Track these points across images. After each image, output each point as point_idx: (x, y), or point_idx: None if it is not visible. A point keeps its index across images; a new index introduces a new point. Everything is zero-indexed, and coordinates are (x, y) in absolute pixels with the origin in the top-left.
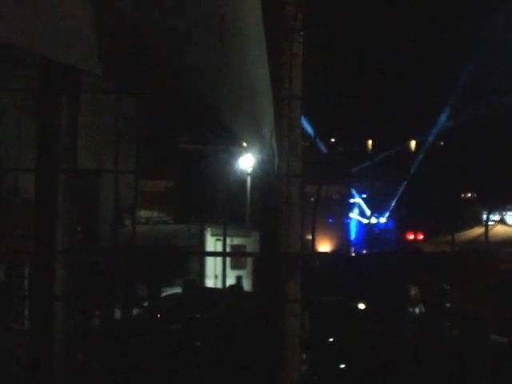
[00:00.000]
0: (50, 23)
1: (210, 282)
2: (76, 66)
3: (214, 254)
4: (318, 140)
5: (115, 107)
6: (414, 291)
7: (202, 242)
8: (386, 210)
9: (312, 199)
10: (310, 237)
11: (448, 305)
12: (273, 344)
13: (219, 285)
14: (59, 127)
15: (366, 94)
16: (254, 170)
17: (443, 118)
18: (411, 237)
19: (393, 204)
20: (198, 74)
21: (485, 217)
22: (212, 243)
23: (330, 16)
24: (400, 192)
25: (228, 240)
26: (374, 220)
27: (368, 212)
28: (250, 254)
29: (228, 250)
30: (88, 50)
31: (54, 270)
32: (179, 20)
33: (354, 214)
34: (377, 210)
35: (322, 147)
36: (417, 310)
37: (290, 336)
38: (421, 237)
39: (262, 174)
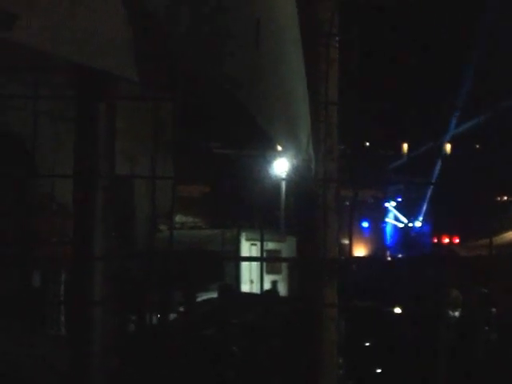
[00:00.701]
0: (88, 32)
1: (245, 287)
2: (113, 74)
3: (252, 258)
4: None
5: (153, 113)
6: (454, 294)
7: (238, 246)
8: (420, 214)
9: (347, 203)
10: (345, 241)
11: (494, 310)
12: (310, 348)
13: (254, 290)
14: (97, 133)
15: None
16: (289, 175)
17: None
18: (446, 240)
19: (426, 207)
20: (234, 80)
21: None
22: (247, 248)
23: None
24: (434, 195)
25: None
26: (410, 224)
27: (401, 216)
28: (287, 259)
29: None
30: (125, 58)
31: (92, 275)
32: (215, 27)
33: (390, 218)
34: (412, 214)
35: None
36: (456, 314)
37: (328, 340)
38: (456, 240)
39: (298, 179)
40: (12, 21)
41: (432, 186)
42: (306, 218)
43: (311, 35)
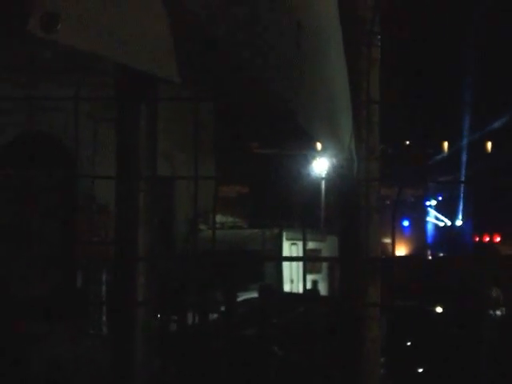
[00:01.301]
0: (132, 34)
1: (286, 287)
2: (154, 75)
3: (294, 258)
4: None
5: (193, 114)
6: (495, 293)
7: (279, 246)
8: (461, 212)
9: (387, 202)
10: (386, 240)
11: None
12: (353, 348)
13: (295, 289)
14: (138, 135)
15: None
16: (329, 174)
17: None
18: (487, 239)
19: (467, 206)
20: (275, 80)
21: None
22: (287, 247)
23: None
24: (475, 193)
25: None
26: (450, 222)
27: (440, 215)
28: (329, 259)
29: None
30: (166, 59)
31: (135, 276)
32: (255, 26)
33: (431, 217)
34: (453, 212)
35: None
36: (498, 313)
37: (371, 340)
38: (497, 239)
39: (339, 178)
40: (57, 22)
41: (472, 185)
42: (347, 218)
43: (353, 34)
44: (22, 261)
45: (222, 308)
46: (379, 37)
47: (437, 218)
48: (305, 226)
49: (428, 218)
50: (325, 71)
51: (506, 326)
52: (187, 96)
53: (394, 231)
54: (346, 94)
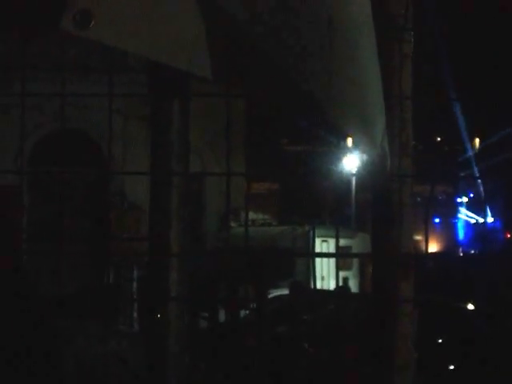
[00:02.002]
0: (164, 30)
1: (317, 284)
2: (187, 71)
3: (327, 255)
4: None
5: (226, 111)
6: None
7: (312, 243)
8: (492, 209)
9: (419, 199)
10: (418, 237)
11: None
12: (386, 345)
13: (325, 286)
14: (172, 131)
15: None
16: (360, 171)
17: None
18: None
19: (498, 203)
20: (307, 76)
21: None
22: (318, 244)
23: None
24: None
25: (333, 241)
26: (481, 220)
27: (469, 212)
28: (361, 255)
29: (334, 251)
30: (198, 55)
31: (168, 272)
32: (286, 21)
33: (462, 214)
34: (483, 210)
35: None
36: None
37: (404, 337)
38: None
39: (372, 175)
40: (89, 19)
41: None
42: (380, 214)
43: (385, 30)
44: (54, 258)
45: (253, 305)
46: (412, 32)
47: (468, 215)
48: (334, 222)
49: (459, 215)
50: (357, 67)
51: None
52: (219, 93)
53: (428, 227)
54: (378, 89)
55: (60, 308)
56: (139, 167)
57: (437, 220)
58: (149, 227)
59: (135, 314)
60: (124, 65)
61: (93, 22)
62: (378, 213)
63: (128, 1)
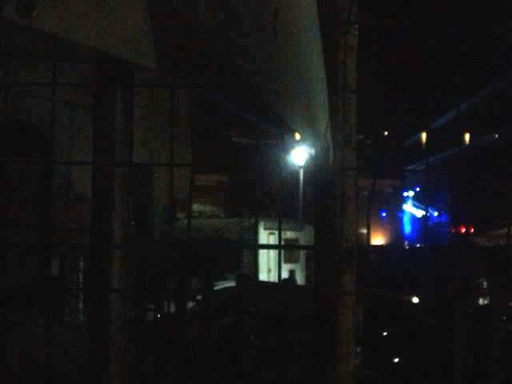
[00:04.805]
0: (109, 20)
1: (263, 276)
2: (131, 62)
3: (269, 246)
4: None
5: (169, 101)
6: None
7: (256, 235)
8: (438, 203)
9: (365, 193)
10: (363, 230)
11: None
12: (328, 337)
13: (272, 278)
14: (115, 121)
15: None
16: (307, 164)
17: None
18: (463, 230)
19: (445, 197)
20: (252, 68)
21: None
22: (265, 237)
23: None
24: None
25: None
26: (426, 213)
27: (412, 207)
28: (305, 247)
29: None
30: (143, 46)
31: (111, 263)
32: (231, 14)
33: (408, 208)
34: (429, 204)
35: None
36: (480, 302)
37: (346, 329)
38: (472, 230)
39: (316, 168)
40: (33, 8)
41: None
42: (324, 207)
43: (330, 23)
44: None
45: (199, 297)
46: (356, 26)
47: (415, 208)
48: (281, 215)
49: (405, 208)
50: (301, 60)
51: (479, 316)
52: (164, 83)
53: (370, 219)
54: (322, 82)
55: (7, 299)
56: (87, 158)
57: (384, 214)
58: (90, 217)
59: (81, 305)
60: (70, 54)
61: (36, 11)
62: (322, 205)
63: None
